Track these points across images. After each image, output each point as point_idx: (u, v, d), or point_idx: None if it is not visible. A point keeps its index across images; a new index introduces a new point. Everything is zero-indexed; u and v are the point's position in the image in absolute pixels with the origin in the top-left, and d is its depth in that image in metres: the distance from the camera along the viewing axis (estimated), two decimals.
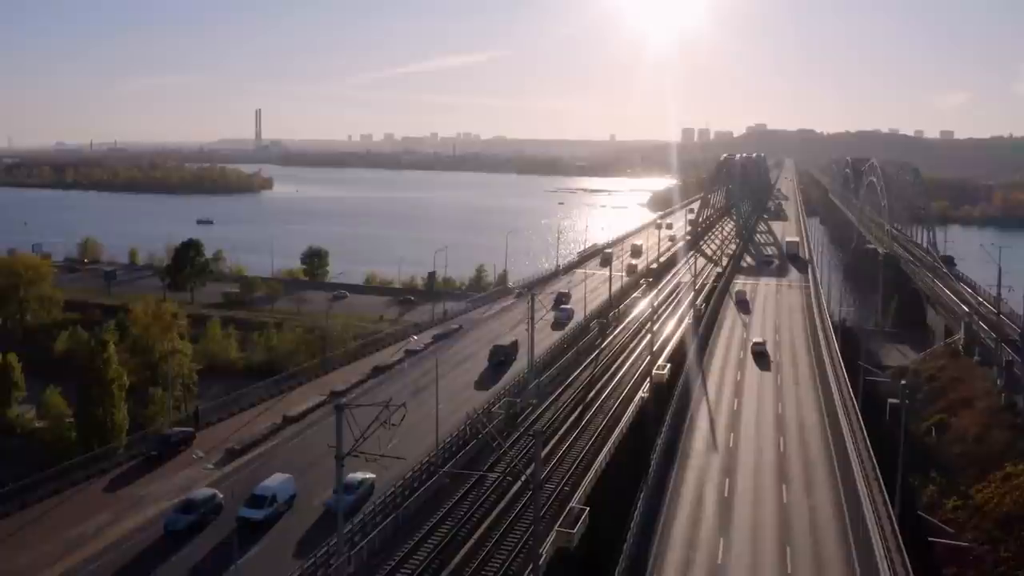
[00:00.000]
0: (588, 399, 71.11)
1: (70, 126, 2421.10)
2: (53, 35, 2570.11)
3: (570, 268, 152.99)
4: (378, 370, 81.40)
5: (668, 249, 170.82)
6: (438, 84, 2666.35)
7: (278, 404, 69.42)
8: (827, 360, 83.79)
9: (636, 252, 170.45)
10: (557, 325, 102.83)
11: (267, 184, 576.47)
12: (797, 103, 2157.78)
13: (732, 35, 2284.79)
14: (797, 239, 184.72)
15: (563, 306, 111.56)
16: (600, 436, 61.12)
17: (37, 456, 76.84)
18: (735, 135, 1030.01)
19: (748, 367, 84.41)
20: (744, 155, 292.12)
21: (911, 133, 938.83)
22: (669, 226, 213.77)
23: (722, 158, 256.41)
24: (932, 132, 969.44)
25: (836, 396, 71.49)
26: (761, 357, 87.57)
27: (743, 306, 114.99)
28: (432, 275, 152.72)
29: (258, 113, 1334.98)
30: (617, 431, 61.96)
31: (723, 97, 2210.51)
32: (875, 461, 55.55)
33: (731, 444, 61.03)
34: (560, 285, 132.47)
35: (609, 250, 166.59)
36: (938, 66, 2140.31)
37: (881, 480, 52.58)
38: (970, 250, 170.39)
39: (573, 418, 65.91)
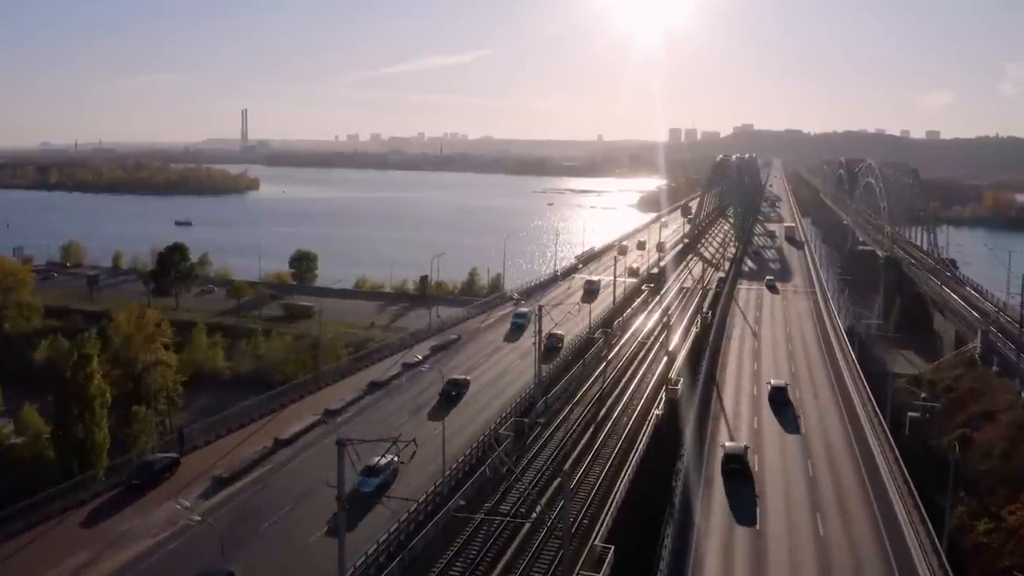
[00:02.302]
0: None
1: (56, 126, 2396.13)
2: (40, 34, 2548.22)
3: (569, 272, 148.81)
4: (374, 385, 76.80)
5: (645, 274, 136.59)
6: (426, 84, 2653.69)
7: (269, 424, 65.30)
8: (846, 373, 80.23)
9: (591, 292, 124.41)
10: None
11: (253, 185, 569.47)
12: (783, 103, 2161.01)
13: (718, 35, 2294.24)
14: (794, 224, 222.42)
15: (455, 389, 73.05)
16: (616, 461, 57.11)
17: (14, 474, 72.59)
18: (722, 135, 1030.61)
19: (762, 377, 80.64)
20: (739, 156, 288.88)
21: (897, 133, 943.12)
22: (641, 244, 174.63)
23: (718, 159, 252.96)
24: (918, 132, 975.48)
25: (861, 412, 68.06)
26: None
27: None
28: (425, 279, 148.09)
29: (244, 113, 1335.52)
30: (634, 455, 57.91)
31: (709, 97, 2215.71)
32: (911, 485, 51.91)
33: (756, 468, 57.17)
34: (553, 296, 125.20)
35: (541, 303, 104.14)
36: (923, 66, 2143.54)
37: (921, 507, 48.90)
38: (970, 252, 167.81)
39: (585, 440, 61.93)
